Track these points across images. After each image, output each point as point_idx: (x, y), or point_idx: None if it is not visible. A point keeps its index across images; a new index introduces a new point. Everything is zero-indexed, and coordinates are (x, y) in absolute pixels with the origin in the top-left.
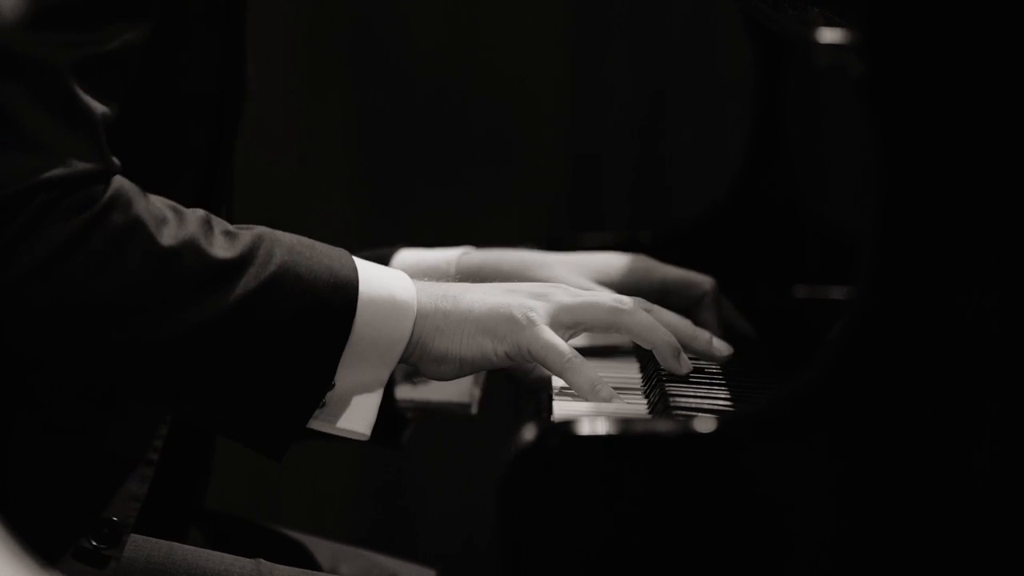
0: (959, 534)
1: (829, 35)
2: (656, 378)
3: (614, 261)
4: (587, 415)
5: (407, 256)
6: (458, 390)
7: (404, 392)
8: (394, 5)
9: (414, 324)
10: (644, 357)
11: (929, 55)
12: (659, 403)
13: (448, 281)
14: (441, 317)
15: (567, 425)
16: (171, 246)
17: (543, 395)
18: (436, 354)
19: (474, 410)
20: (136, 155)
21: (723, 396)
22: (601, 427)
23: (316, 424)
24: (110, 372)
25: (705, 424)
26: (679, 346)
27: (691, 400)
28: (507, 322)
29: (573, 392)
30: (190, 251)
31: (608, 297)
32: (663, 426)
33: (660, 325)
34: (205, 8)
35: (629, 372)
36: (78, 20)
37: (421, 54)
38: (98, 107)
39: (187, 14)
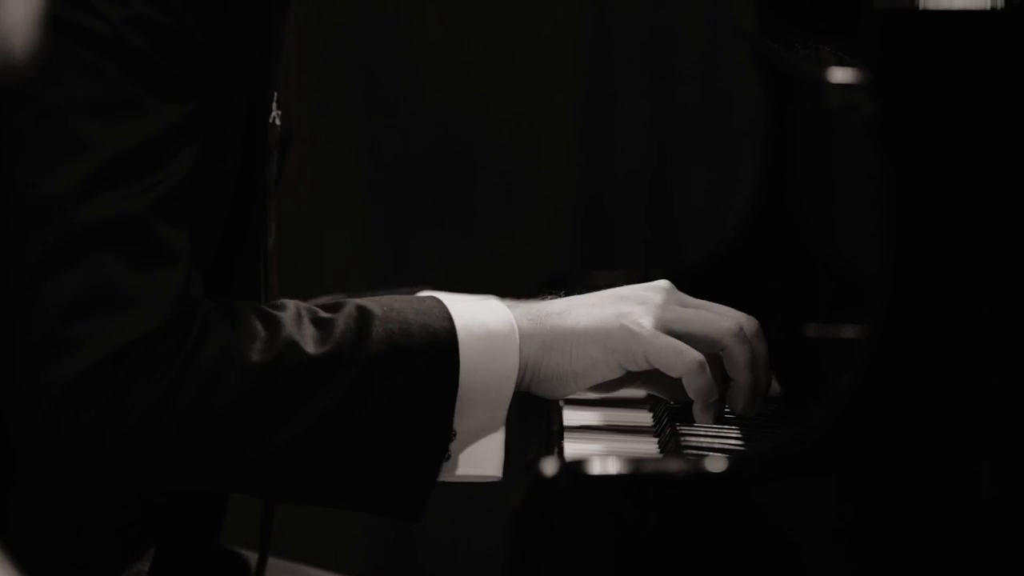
0: (967, 573)
1: (840, 75)
2: (667, 417)
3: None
4: (598, 454)
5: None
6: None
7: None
8: (405, 48)
9: (520, 352)
10: (653, 397)
11: (940, 95)
12: (670, 442)
13: None
14: (548, 334)
15: (578, 465)
16: (267, 360)
17: (554, 431)
18: (547, 373)
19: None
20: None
21: (734, 436)
22: (612, 467)
23: (446, 476)
24: (232, 487)
25: (716, 464)
26: (759, 395)
27: (701, 440)
28: (619, 330)
29: (582, 428)
30: (285, 358)
31: (726, 318)
32: (674, 466)
33: (755, 367)
34: (237, 98)
35: (639, 411)
36: (150, 163)
37: (433, 96)
38: (179, 239)
39: (227, 113)
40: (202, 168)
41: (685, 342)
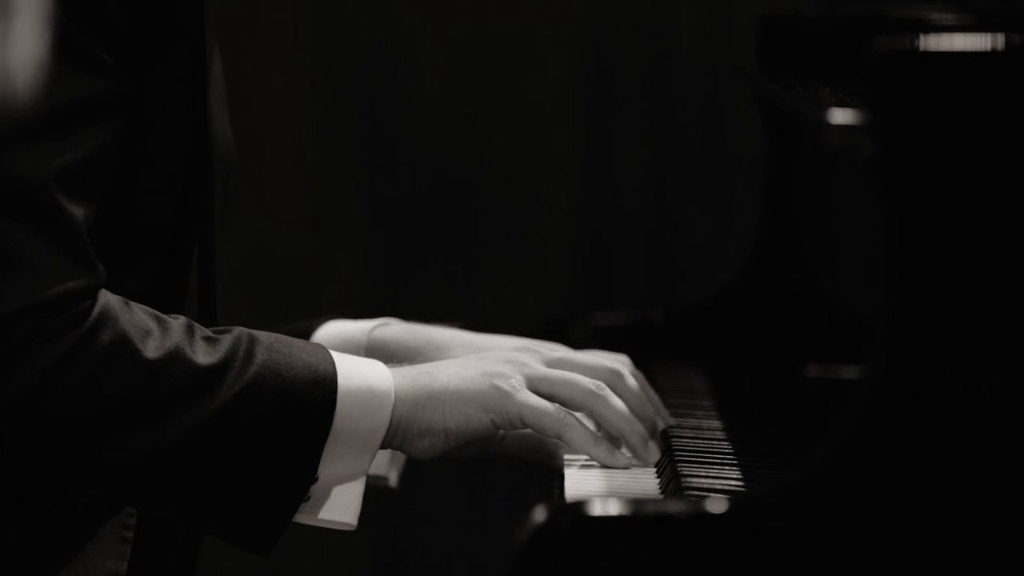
0: None
1: (841, 116)
2: (668, 457)
3: (505, 343)
4: (599, 495)
5: (329, 327)
6: (377, 461)
7: None
8: (406, 90)
9: (393, 409)
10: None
11: (940, 136)
12: (671, 483)
13: (359, 349)
14: (422, 393)
15: (579, 506)
16: (157, 358)
17: (553, 468)
18: (420, 430)
19: (394, 484)
20: (103, 236)
21: (735, 476)
22: (613, 508)
23: (301, 518)
24: (98, 481)
25: (716, 505)
26: (647, 436)
27: (703, 480)
28: (491, 390)
29: (582, 462)
30: (175, 361)
31: (590, 372)
32: (675, 507)
33: (630, 416)
34: (171, 89)
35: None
36: (56, 129)
37: (433, 135)
38: (81, 214)
39: (156, 101)
40: (135, 174)
41: (553, 401)
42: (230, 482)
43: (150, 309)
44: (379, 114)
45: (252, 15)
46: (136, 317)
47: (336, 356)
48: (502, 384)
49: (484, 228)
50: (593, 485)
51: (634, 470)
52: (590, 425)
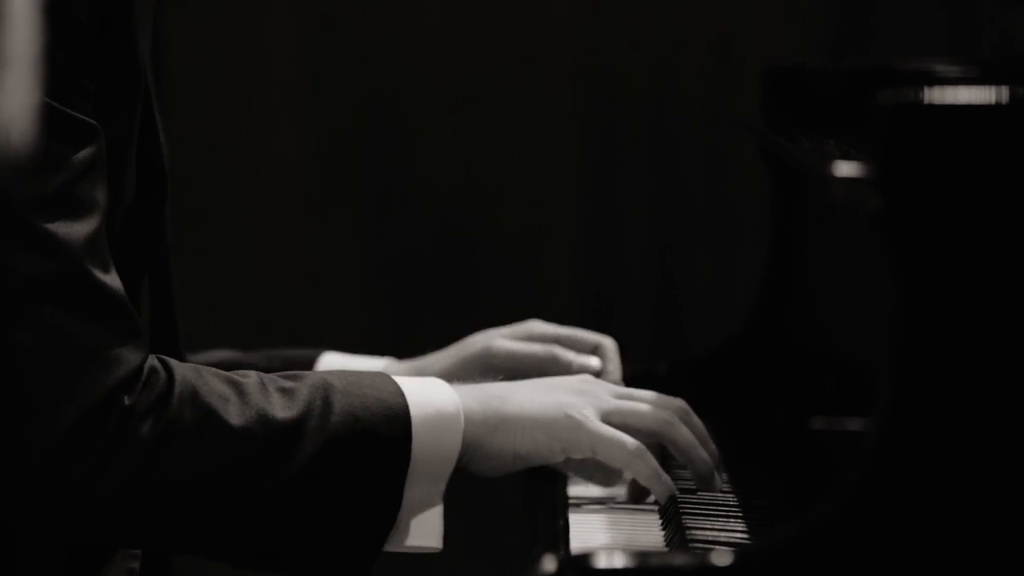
0: None
1: (845, 168)
2: (673, 509)
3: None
4: (604, 548)
5: (332, 362)
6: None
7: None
8: (411, 148)
9: (464, 432)
10: None
11: (946, 189)
12: (676, 535)
13: None
14: (492, 416)
15: (584, 559)
16: (242, 425)
17: (558, 519)
18: (490, 451)
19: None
20: None
21: (739, 528)
22: (619, 560)
23: (389, 547)
24: (189, 547)
25: (722, 558)
26: (714, 466)
27: (707, 532)
28: (564, 419)
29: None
30: (259, 424)
31: (656, 406)
32: (680, 559)
33: (699, 445)
34: (124, 130)
35: (645, 503)
36: (72, 209)
37: (437, 194)
38: (116, 281)
39: (115, 144)
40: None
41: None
42: (320, 526)
43: (220, 372)
44: (382, 173)
45: (258, 71)
46: (212, 384)
47: (403, 386)
48: (575, 414)
49: (486, 284)
50: (599, 535)
51: (639, 520)
52: (616, 505)
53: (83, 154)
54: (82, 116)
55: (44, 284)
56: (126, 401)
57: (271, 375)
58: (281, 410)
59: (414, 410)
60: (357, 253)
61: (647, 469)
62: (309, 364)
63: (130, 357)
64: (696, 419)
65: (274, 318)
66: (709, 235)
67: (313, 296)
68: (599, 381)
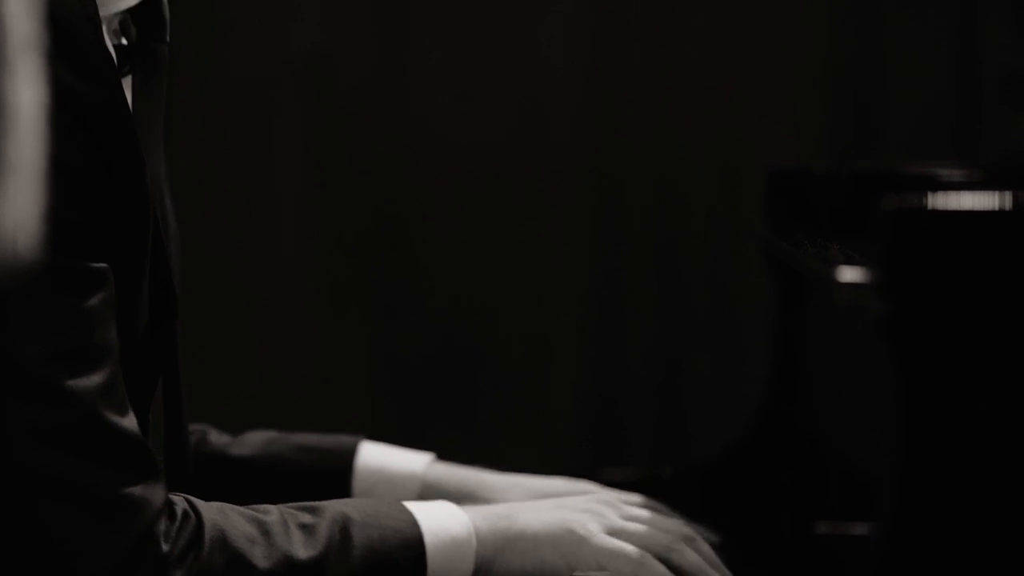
0: None
1: (849, 274)
2: None
3: (559, 486)
4: None
5: (370, 459)
6: None
7: None
8: (414, 262)
9: (475, 555)
10: None
11: (950, 295)
12: None
13: (414, 488)
14: (500, 537)
15: None
16: (268, 568)
17: None
18: (499, 571)
19: None
20: None
21: None
22: None
23: None
24: None
25: None
26: None
27: None
28: (568, 535)
29: None
30: (284, 566)
31: (663, 530)
32: None
33: (708, 567)
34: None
35: None
36: (89, 363)
37: (442, 304)
38: (132, 422)
39: (137, 281)
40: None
41: None
42: None
43: (243, 511)
44: (387, 281)
45: (262, 178)
46: (237, 525)
47: (415, 511)
48: (579, 529)
49: (491, 390)
50: None
51: None
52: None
53: (93, 301)
54: (89, 263)
55: (63, 436)
56: (161, 548)
57: (292, 509)
58: (303, 549)
59: (428, 538)
60: (362, 360)
61: (658, 570)
62: (348, 455)
63: (154, 499)
64: (705, 546)
65: (279, 423)
66: (713, 339)
67: (318, 403)
68: (609, 501)
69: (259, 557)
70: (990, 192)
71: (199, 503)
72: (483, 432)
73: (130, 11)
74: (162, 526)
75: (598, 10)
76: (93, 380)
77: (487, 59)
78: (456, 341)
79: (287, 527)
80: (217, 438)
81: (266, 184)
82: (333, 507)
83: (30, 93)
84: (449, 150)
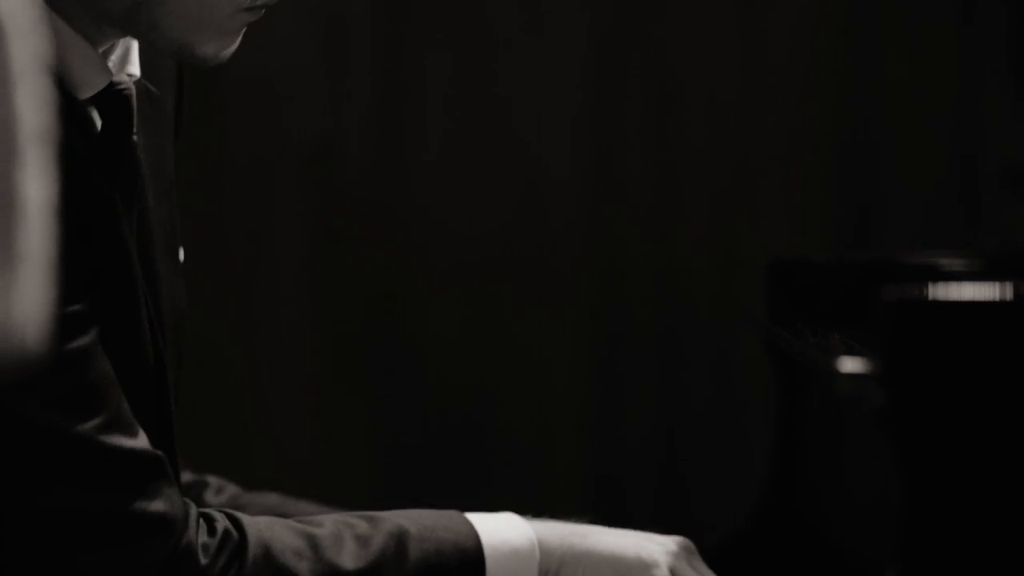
0: None
1: (850, 364)
2: None
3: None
4: None
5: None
6: None
7: None
8: (416, 341)
9: (539, 565)
10: None
11: (951, 385)
12: None
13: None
14: (568, 552)
15: None
16: None
17: None
18: None
19: None
20: None
21: None
22: None
23: None
24: None
25: None
26: None
27: None
28: (634, 559)
29: None
30: None
31: None
32: None
33: None
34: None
35: None
36: (88, 391)
37: (444, 384)
38: (143, 441)
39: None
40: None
41: None
42: None
43: (294, 524)
44: (388, 364)
45: (263, 259)
46: (284, 539)
47: (476, 524)
48: (646, 557)
49: (491, 468)
50: None
51: None
52: None
53: (83, 341)
54: (78, 307)
55: (76, 475)
56: (200, 561)
57: (351, 519)
58: (354, 561)
59: (488, 550)
60: (361, 439)
61: None
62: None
63: (178, 511)
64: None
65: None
66: (714, 428)
67: (317, 480)
68: (688, 548)
69: (305, 571)
70: (991, 282)
71: (245, 519)
72: (483, 507)
73: (93, 101)
74: (200, 539)
75: (599, 99)
76: (97, 411)
77: (489, 147)
78: (456, 419)
79: (340, 539)
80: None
81: (267, 265)
82: (391, 519)
83: (40, 185)
84: (450, 236)
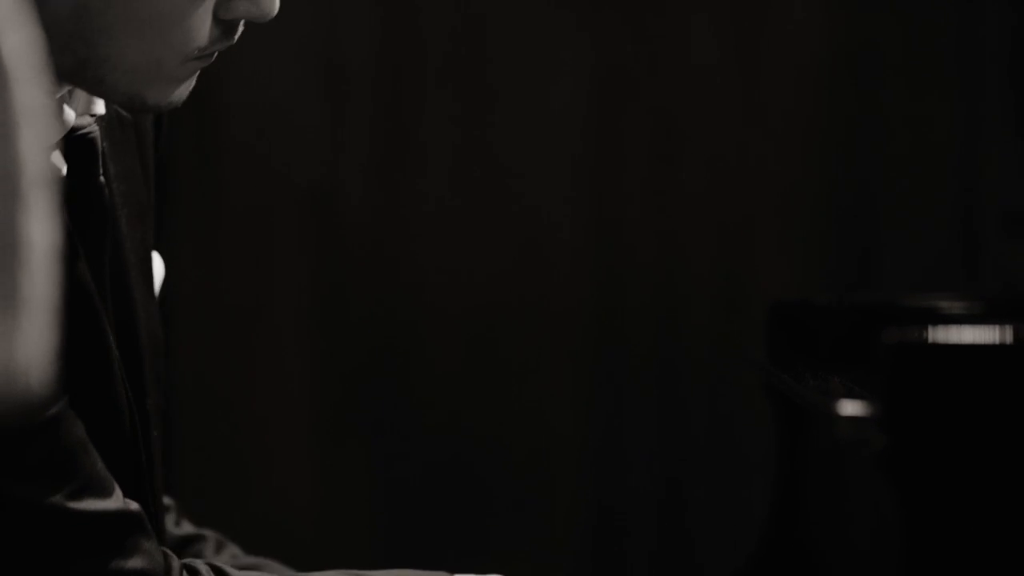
0: None
1: (850, 408)
2: None
3: None
4: None
5: None
6: None
7: None
8: (418, 383)
9: None
10: None
11: (951, 428)
12: None
13: None
14: None
15: None
16: None
17: None
18: None
19: None
20: None
21: None
22: None
23: None
24: None
25: None
26: None
27: None
28: None
29: None
30: None
31: None
32: None
33: None
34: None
35: None
36: (59, 457)
37: (443, 426)
38: (118, 501)
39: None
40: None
41: None
42: None
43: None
44: (388, 414)
45: (263, 306)
46: None
47: None
48: None
49: (492, 515)
50: None
51: None
52: None
53: (52, 410)
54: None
55: (52, 541)
56: None
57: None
58: None
59: None
60: (362, 486)
61: None
62: None
63: (158, 569)
64: None
65: (279, 548)
66: (715, 470)
67: (319, 535)
68: None
69: None
70: (991, 325)
71: (232, 572)
72: (483, 553)
73: (57, 146)
74: None
75: (599, 144)
76: (67, 481)
77: (489, 192)
78: (456, 467)
79: None
80: None
81: (267, 313)
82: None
83: (43, 230)
84: (450, 283)
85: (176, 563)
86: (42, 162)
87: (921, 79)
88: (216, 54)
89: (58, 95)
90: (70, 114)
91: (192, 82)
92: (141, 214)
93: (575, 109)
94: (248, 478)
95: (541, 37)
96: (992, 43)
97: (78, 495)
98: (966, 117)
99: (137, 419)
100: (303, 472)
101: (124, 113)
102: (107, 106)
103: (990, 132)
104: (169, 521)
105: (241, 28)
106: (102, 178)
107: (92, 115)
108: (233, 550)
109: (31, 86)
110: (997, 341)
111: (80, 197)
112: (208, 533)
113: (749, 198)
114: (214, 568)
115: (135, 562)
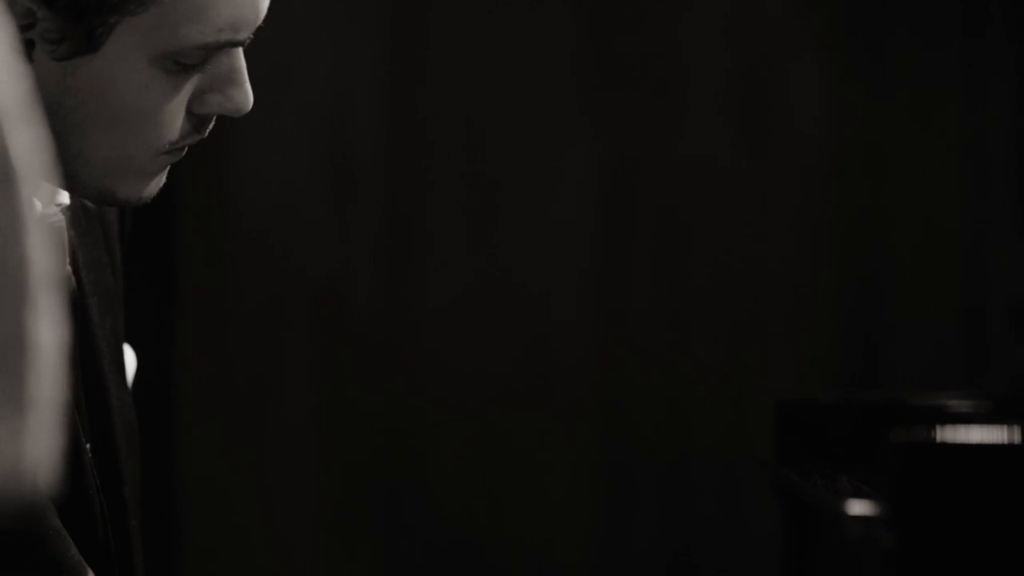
0: None
1: (858, 507)
2: None
3: None
4: None
5: None
6: None
7: None
8: (422, 468)
9: None
10: None
11: (958, 528)
12: None
13: None
14: None
15: None
16: None
17: None
18: None
19: None
20: None
21: None
22: None
23: None
24: None
25: None
26: None
27: None
28: None
29: None
30: None
31: None
32: None
33: None
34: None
35: None
36: (38, 551)
37: (451, 513)
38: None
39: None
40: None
41: None
42: None
43: None
44: (395, 499)
45: (272, 395)
46: None
47: None
48: None
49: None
50: None
51: None
52: None
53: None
54: None
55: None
56: None
57: None
58: None
59: None
60: (371, 570)
61: None
62: None
63: None
64: None
65: None
66: (722, 566)
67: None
68: None
69: None
70: (999, 424)
71: None
72: None
73: None
74: None
75: (608, 240)
76: (43, 569)
77: (497, 285)
78: (466, 556)
79: None
80: None
81: (276, 402)
82: None
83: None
84: (457, 373)
85: None
86: (49, 262)
87: (928, 176)
88: (187, 148)
89: None
90: (36, 204)
91: (163, 178)
92: (111, 304)
93: (583, 203)
94: (256, 568)
95: (547, 129)
96: (998, 142)
97: None
98: (973, 214)
99: (111, 508)
100: (312, 564)
101: (89, 204)
102: (71, 196)
103: (997, 229)
104: None
105: (212, 123)
106: (68, 267)
107: (57, 204)
108: None
109: (36, 184)
110: (1005, 441)
111: None
112: None
113: (757, 294)
114: None
115: None
